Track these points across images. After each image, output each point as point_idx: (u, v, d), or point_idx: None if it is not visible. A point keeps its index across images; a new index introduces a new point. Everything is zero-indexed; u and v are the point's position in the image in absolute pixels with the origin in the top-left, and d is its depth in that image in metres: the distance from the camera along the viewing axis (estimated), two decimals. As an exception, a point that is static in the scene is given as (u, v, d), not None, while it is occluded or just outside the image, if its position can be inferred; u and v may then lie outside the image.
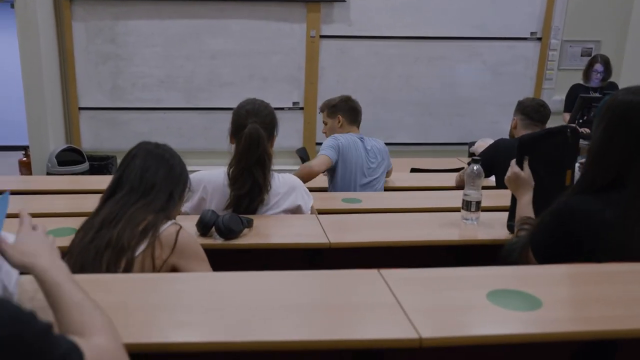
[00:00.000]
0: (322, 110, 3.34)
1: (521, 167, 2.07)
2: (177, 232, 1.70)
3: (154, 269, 1.63)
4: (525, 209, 2.01)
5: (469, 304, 1.36)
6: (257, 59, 5.44)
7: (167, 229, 1.69)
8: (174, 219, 1.81)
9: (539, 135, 2.18)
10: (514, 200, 2.13)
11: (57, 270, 1.10)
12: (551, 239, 1.65)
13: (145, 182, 1.74)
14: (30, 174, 5.13)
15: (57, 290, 1.07)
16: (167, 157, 1.82)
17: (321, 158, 3.00)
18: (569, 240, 1.60)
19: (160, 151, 1.82)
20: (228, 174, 2.31)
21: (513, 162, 2.10)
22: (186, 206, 2.36)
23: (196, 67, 5.41)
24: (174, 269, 1.69)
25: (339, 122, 3.24)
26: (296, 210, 2.39)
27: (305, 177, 2.82)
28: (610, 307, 1.35)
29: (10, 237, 1.15)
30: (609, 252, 1.55)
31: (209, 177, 2.34)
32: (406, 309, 1.31)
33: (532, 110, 3.16)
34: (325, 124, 3.31)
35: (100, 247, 1.61)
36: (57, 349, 0.89)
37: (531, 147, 2.11)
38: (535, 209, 1.98)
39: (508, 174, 2.11)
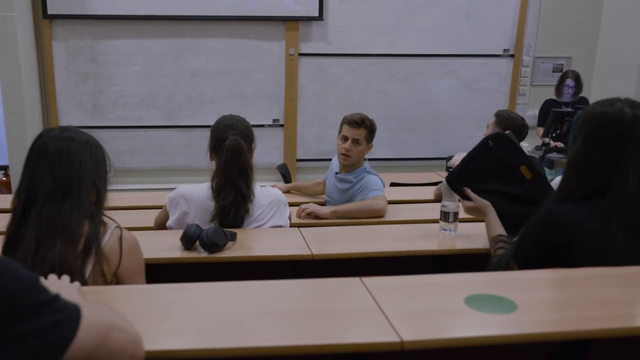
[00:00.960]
0: (361, 125, 2.98)
1: (469, 198, 2.15)
2: (120, 240, 1.60)
3: (106, 284, 1.58)
4: (494, 228, 2.06)
5: (448, 308, 1.40)
6: (237, 77, 5.49)
7: (109, 239, 1.58)
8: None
9: (459, 169, 2.24)
10: None
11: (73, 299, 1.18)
12: (535, 247, 1.68)
13: (60, 182, 1.51)
14: (10, 193, 5.09)
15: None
16: (77, 138, 1.57)
17: (385, 200, 2.82)
18: (553, 247, 1.64)
19: (67, 135, 1.57)
20: (212, 187, 2.34)
21: (462, 201, 2.19)
22: (170, 221, 2.38)
23: (177, 86, 5.44)
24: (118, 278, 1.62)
25: (369, 149, 3.04)
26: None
27: (373, 215, 2.77)
28: (584, 309, 1.41)
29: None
30: (592, 260, 1.59)
31: (192, 191, 2.37)
32: (388, 314, 1.35)
33: (515, 131, 3.22)
34: (359, 143, 2.98)
35: (45, 274, 1.44)
36: (43, 296, 0.91)
37: (460, 180, 2.19)
38: (512, 214, 2.02)
39: (464, 210, 2.19)
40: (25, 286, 0.90)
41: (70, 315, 0.94)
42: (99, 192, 1.59)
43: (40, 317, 0.88)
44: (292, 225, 2.52)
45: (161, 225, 2.45)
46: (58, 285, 1.27)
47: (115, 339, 1.02)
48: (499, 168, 2.15)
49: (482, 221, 2.25)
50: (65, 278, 1.35)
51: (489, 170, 2.15)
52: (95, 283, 1.55)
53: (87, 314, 0.97)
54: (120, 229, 1.63)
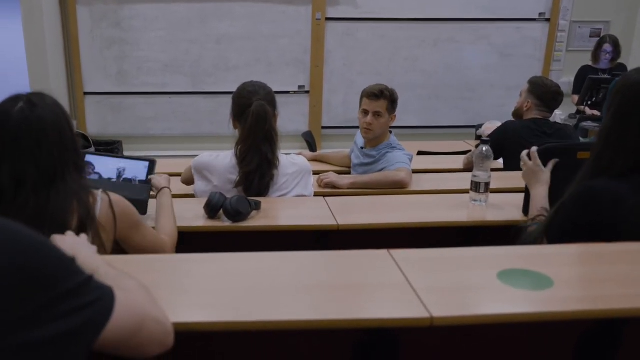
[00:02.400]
0: (380, 97, 2.86)
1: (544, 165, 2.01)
2: (111, 206, 1.56)
3: (106, 253, 1.55)
4: (541, 200, 1.93)
5: (480, 283, 1.35)
6: (262, 42, 5.42)
7: (101, 208, 1.54)
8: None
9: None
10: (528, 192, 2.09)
11: (94, 261, 1.16)
12: (570, 224, 1.59)
13: (45, 170, 1.41)
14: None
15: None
16: (45, 109, 1.44)
17: (409, 172, 2.72)
18: (592, 226, 1.54)
19: (36, 109, 1.42)
20: (236, 154, 2.31)
21: (524, 155, 2.03)
22: (195, 186, 2.37)
23: (202, 51, 5.39)
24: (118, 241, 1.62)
25: (392, 120, 2.93)
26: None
27: (394, 187, 2.69)
28: (622, 287, 1.34)
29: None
30: (632, 240, 1.51)
31: (215, 159, 2.35)
32: (417, 289, 1.31)
33: (550, 99, 3.13)
34: (380, 115, 2.87)
35: None
36: (77, 277, 0.89)
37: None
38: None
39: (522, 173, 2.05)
40: (62, 267, 0.89)
41: (103, 300, 0.92)
42: (77, 164, 1.51)
43: (74, 299, 0.87)
44: (316, 195, 2.48)
45: (189, 182, 2.49)
46: (76, 245, 1.23)
47: (149, 330, 0.99)
48: (564, 174, 2.02)
49: (518, 192, 2.19)
50: (84, 237, 1.32)
51: (557, 185, 1.98)
52: None
53: (122, 299, 0.95)
54: (107, 193, 1.58)
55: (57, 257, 0.89)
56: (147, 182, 2.09)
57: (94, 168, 2.09)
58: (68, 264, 0.90)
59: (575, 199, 1.59)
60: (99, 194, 1.56)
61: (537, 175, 1.99)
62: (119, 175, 2.10)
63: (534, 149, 2.01)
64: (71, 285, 0.87)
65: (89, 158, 2.08)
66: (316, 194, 2.49)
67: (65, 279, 0.87)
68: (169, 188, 2.04)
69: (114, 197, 1.60)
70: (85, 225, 1.45)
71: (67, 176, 1.45)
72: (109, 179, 2.09)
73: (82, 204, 1.46)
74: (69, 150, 1.46)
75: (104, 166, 2.11)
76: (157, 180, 2.06)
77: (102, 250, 1.50)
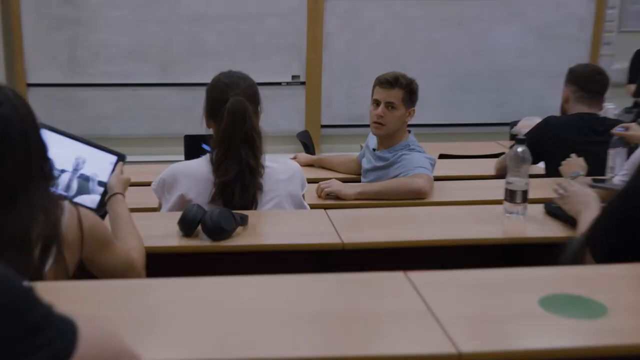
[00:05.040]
0: (395, 85, 2.92)
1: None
2: (79, 221, 1.58)
3: (68, 275, 1.57)
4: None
5: (517, 312, 1.38)
6: (247, 23, 5.47)
7: (67, 222, 1.55)
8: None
9: None
10: None
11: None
12: (619, 227, 1.64)
13: (4, 185, 1.42)
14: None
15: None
16: (14, 119, 1.44)
17: (429, 179, 2.76)
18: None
19: (1, 113, 1.42)
20: (211, 159, 2.33)
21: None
22: (164, 209, 2.38)
23: (173, 34, 5.43)
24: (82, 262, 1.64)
25: (410, 115, 2.99)
26: (294, 199, 2.44)
27: (411, 197, 2.72)
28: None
29: None
30: None
31: (188, 168, 2.37)
32: (440, 319, 1.33)
33: (586, 79, 3.16)
34: (394, 107, 2.92)
35: None
36: (39, 312, 0.91)
37: None
38: None
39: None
40: (23, 300, 0.90)
41: (65, 334, 0.93)
42: (44, 171, 1.52)
43: (35, 336, 0.88)
44: (317, 207, 2.50)
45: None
46: None
47: None
48: None
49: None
50: None
51: None
52: (56, 277, 1.53)
53: (87, 332, 0.96)
54: (76, 206, 1.61)
55: (17, 289, 0.91)
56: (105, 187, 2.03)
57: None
58: (29, 296, 0.92)
59: (624, 197, 1.66)
60: (66, 205, 1.57)
61: (585, 201, 2.06)
62: (76, 169, 2.04)
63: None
64: (31, 320, 0.89)
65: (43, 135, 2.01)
66: (317, 206, 2.52)
67: (26, 313, 0.89)
68: (122, 194, 1.99)
69: (83, 210, 1.61)
70: (50, 246, 1.46)
71: (31, 188, 1.45)
72: (62, 171, 1.99)
73: (48, 219, 1.47)
74: (34, 157, 1.47)
75: (61, 150, 1.95)
76: (111, 183, 2.00)
77: (64, 274, 1.52)
